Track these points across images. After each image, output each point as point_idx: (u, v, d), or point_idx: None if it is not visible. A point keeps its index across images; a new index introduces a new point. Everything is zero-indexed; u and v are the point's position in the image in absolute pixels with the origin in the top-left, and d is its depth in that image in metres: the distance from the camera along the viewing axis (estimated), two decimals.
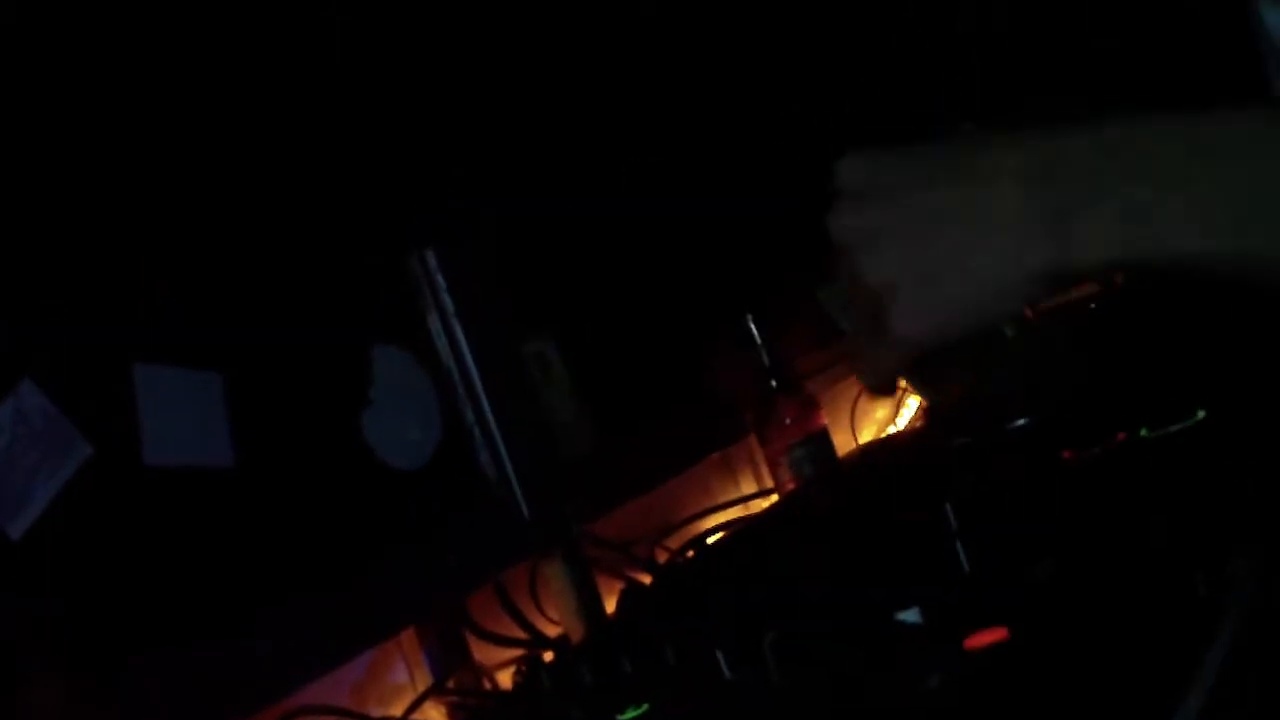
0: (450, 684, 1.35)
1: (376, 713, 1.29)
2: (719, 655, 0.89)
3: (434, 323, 1.33)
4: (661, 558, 1.54)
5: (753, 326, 1.65)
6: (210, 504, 1.09)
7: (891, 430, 1.98)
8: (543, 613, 1.45)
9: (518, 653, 1.39)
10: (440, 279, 1.32)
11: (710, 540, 1.54)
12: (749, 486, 1.81)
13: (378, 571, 1.19)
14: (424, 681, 1.39)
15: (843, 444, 1.82)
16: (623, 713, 0.89)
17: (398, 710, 1.30)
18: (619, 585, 1.48)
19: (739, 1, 1.75)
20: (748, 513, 1.68)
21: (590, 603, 1.39)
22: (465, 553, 1.29)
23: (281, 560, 1.13)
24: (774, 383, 1.65)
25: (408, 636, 1.40)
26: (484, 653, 1.41)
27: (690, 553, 1.51)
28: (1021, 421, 1.41)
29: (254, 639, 1.09)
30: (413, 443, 1.28)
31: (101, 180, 1.10)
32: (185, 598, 1.05)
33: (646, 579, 1.49)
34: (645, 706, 0.89)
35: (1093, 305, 1.51)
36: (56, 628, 0.99)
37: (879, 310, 0.70)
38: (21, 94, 1.05)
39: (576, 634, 1.39)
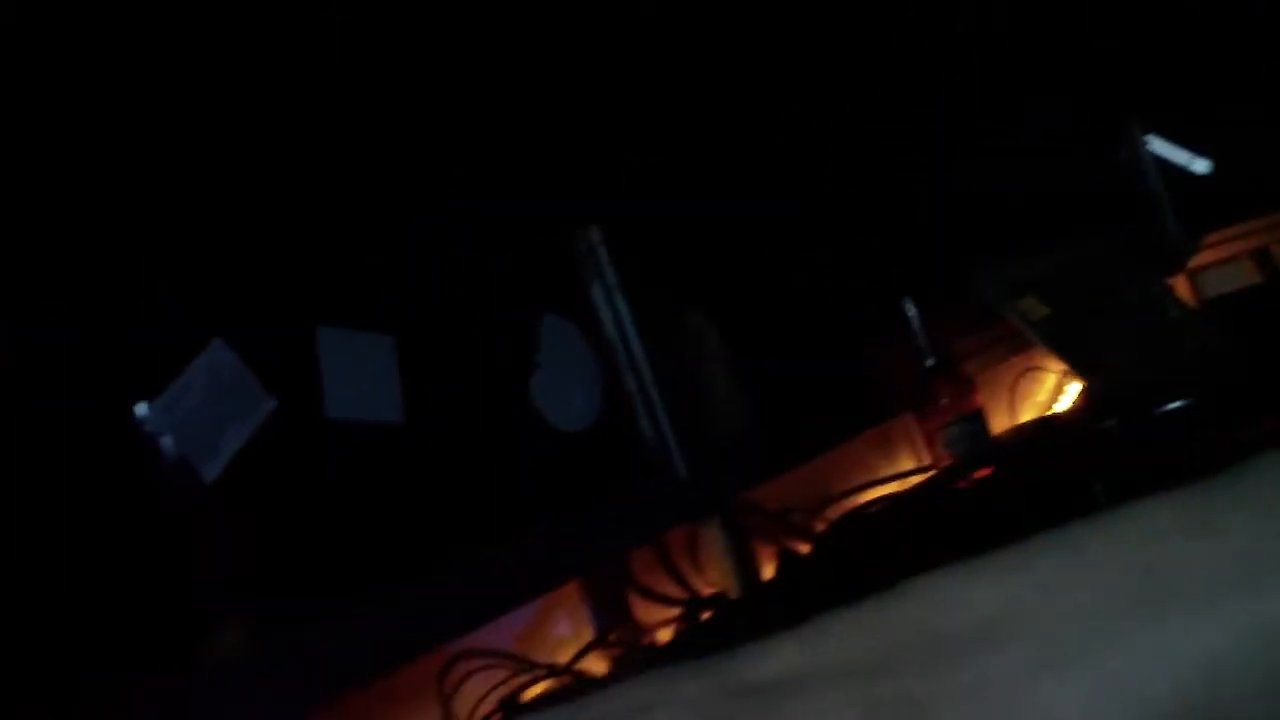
0: (611, 638, 1.42)
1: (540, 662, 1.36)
2: None
3: (598, 295, 1.40)
4: (818, 528, 1.59)
5: (910, 309, 1.70)
6: (382, 457, 1.17)
7: (1051, 412, 1.99)
8: (701, 574, 1.51)
9: (676, 611, 1.46)
10: (604, 254, 1.40)
11: (866, 512, 1.58)
12: (907, 463, 1.85)
13: (544, 528, 1.26)
14: (586, 635, 1.47)
15: (1001, 424, 1.85)
16: None
17: (560, 661, 1.38)
18: (776, 552, 1.54)
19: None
20: (904, 488, 1.72)
21: (747, 566, 1.45)
22: (627, 514, 1.36)
23: (450, 513, 1.21)
24: (930, 363, 1.69)
25: (571, 591, 1.47)
26: (644, 610, 1.48)
27: (847, 524, 1.56)
28: (1178, 404, 1.42)
29: (425, 586, 1.16)
30: (577, 408, 1.36)
31: (296, 160, 1.19)
32: (360, 543, 1.14)
33: (803, 548, 1.54)
34: None
35: (1254, 292, 1.52)
36: (242, 568, 1.08)
37: None
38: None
39: (733, 595, 1.45)
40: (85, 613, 0.99)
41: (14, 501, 0.95)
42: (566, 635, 1.47)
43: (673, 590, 1.48)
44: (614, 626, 1.45)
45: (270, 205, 1.15)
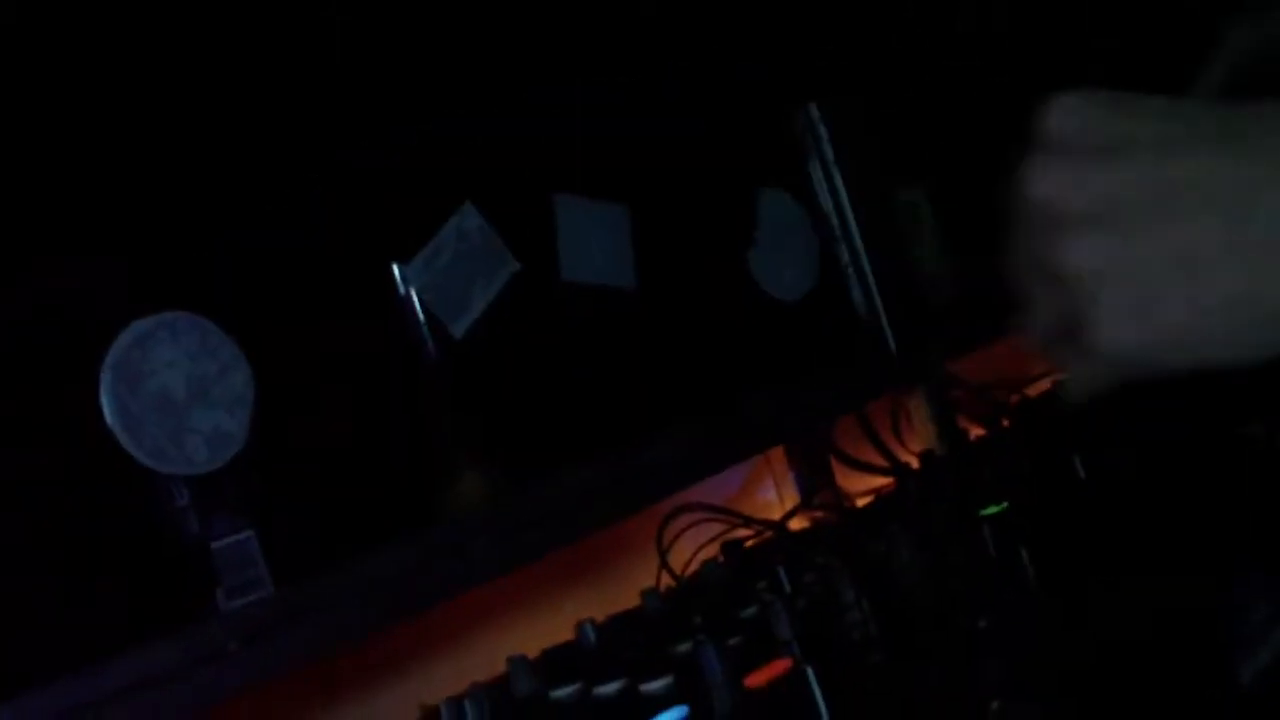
0: (815, 501, 1.47)
1: None
2: (1075, 460, 0.98)
3: (815, 170, 1.44)
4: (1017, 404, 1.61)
5: None
6: (615, 320, 1.23)
7: None
8: (903, 444, 1.55)
9: (878, 480, 1.51)
10: (822, 130, 1.44)
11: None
12: None
13: (755, 393, 1.31)
14: (791, 500, 1.52)
15: None
16: (984, 509, 0.99)
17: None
18: (978, 427, 1.57)
19: None
20: None
21: (951, 433, 1.49)
22: (835, 383, 1.40)
23: (672, 375, 1.27)
24: None
25: (777, 458, 1.53)
26: (845, 477, 1.53)
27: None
28: None
29: (647, 445, 1.22)
30: (792, 279, 1.40)
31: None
32: (589, 403, 1.20)
33: (1005, 422, 1.57)
34: (1004, 504, 0.99)
35: None
36: (483, 423, 1.15)
37: (1077, 307, 0.54)
38: None
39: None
40: (342, 460, 1.07)
41: (290, 344, 1.03)
42: (772, 499, 1.53)
43: (875, 458, 1.52)
44: (818, 491, 1.50)
45: (506, 80, 1.19)
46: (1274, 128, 0.51)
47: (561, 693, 0.87)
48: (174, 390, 0.95)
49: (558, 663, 0.94)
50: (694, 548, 1.31)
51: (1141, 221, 0.52)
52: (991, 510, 1.00)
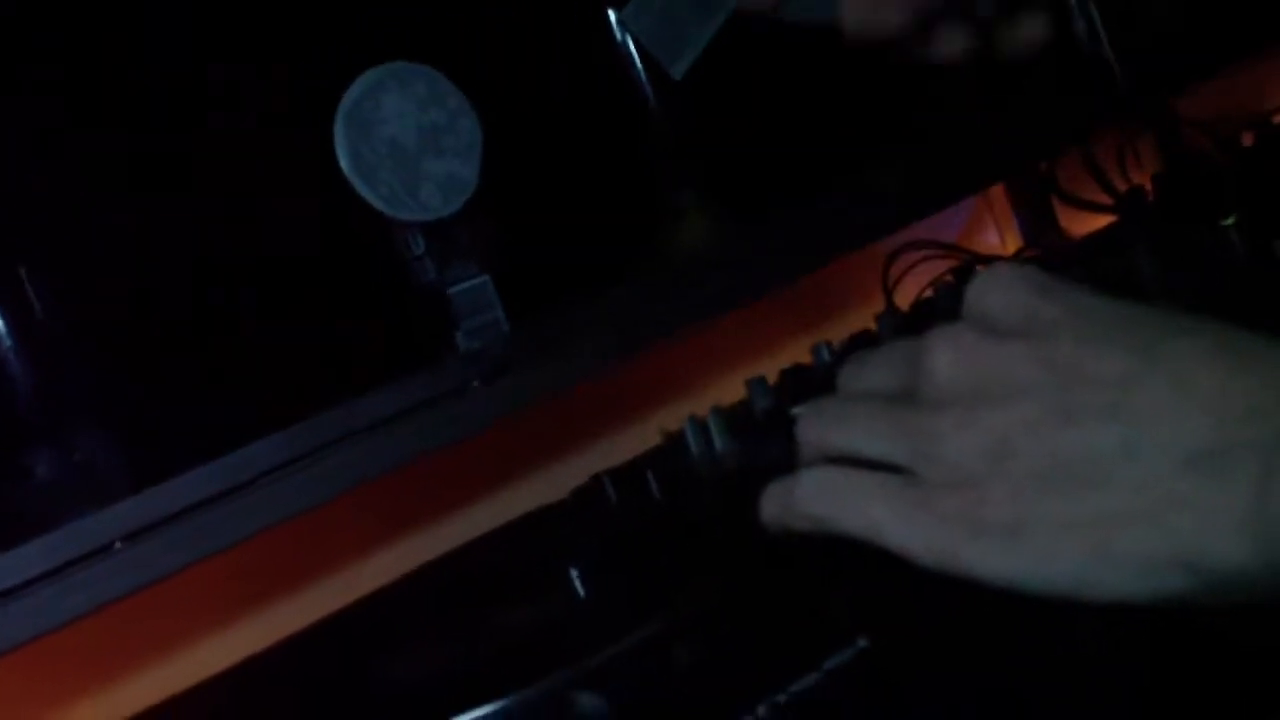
0: (1039, 244, 1.45)
1: None
2: None
3: None
4: (1248, 140, 1.55)
5: None
6: (833, 56, 1.21)
7: None
8: (1128, 182, 1.51)
9: (1102, 220, 1.47)
10: None
11: None
12: None
13: (976, 126, 1.29)
14: (1014, 244, 1.50)
15: None
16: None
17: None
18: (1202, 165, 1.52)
19: None
20: None
21: (1175, 172, 1.44)
22: (1058, 115, 1.37)
23: (892, 111, 1.25)
24: None
25: (999, 201, 1.51)
26: (1069, 218, 1.50)
27: None
28: None
29: (868, 183, 1.21)
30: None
31: None
32: (811, 144, 1.19)
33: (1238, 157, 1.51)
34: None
35: None
36: (706, 162, 1.16)
37: (931, 475, 0.50)
38: None
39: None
40: (569, 205, 1.09)
41: (514, 93, 1.04)
42: (995, 244, 1.51)
43: (1100, 197, 1.49)
44: (1041, 234, 1.48)
45: None
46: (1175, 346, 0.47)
47: (800, 409, 0.89)
48: (405, 139, 0.98)
49: (795, 383, 0.96)
50: (917, 289, 1.30)
51: (1050, 422, 0.48)
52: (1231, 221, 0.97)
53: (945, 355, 0.51)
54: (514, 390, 0.98)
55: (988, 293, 0.52)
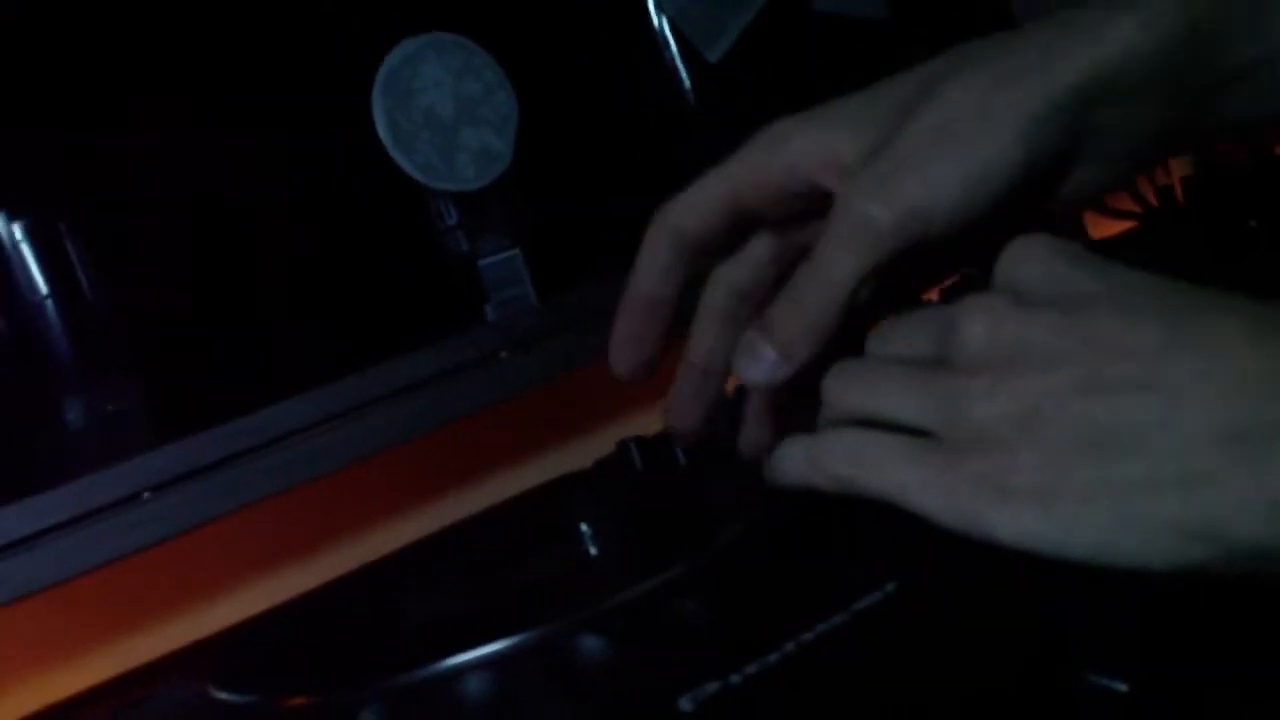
0: None
1: None
2: None
3: None
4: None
5: None
6: (867, 46, 1.22)
7: None
8: (1156, 185, 1.51)
9: (1127, 225, 1.47)
10: None
11: None
12: None
13: None
14: None
15: None
16: None
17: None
18: None
19: None
20: None
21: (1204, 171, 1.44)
22: None
23: None
24: None
25: None
26: (1096, 226, 1.50)
27: None
28: None
29: None
30: None
31: None
32: None
33: None
34: None
35: None
36: (739, 141, 1.16)
37: (959, 439, 0.50)
38: None
39: None
40: (599, 181, 1.10)
41: (548, 68, 1.06)
42: None
43: (1125, 204, 1.49)
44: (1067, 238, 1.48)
45: None
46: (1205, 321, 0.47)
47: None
48: (442, 109, 0.99)
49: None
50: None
51: (1083, 394, 0.48)
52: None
53: (978, 322, 0.51)
54: (541, 362, 0.99)
55: (1021, 263, 0.52)
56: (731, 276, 0.64)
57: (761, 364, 0.57)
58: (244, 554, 0.98)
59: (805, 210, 0.60)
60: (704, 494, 0.78)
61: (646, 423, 1.05)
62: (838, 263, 0.54)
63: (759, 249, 0.63)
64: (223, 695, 0.65)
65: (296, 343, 0.97)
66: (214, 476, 0.87)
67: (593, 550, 0.74)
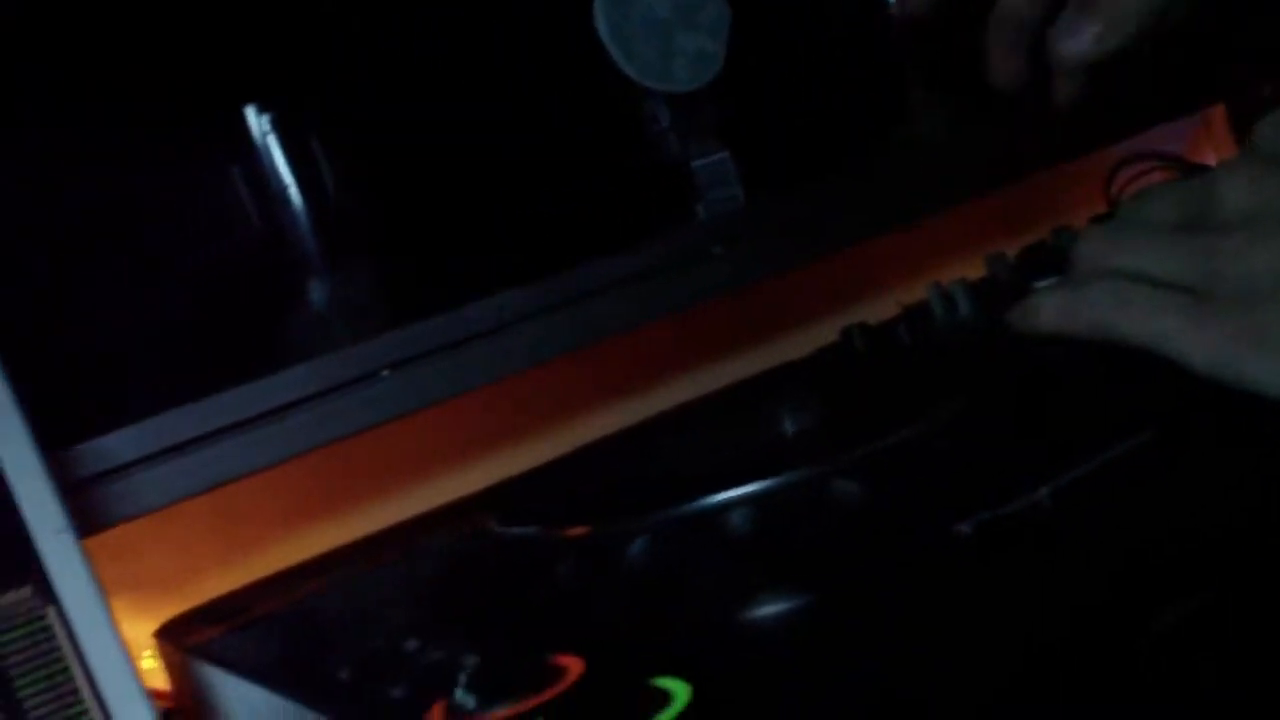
0: None
1: None
2: None
3: None
4: None
5: None
6: None
7: None
8: None
9: None
10: None
11: None
12: None
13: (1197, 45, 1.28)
14: None
15: None
16: None
17: None
18: None
19: None
20: None
21: None
22: None
23: None
24: None
25: (1219, 124, 1.50)
26: None
27: None
28: None
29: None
30: None
31: None
32: None
33: None
34: None
35: None
36: (937, 56, 1.17)
37: (1219, 291, 0.52)
38: None
39: None
40: (806, 89, 1.12)
41: None
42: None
43: None
44: None
45: None
46: None
47: (1044, 283, 0.90)
48: (661, 10, 1.01)
49: (1033, 260, 0.98)
50: None
51: None
52: None
53: (1238, 181, 0.53)
54: (752, 259, 1.02)
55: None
56: None
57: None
58: (492, 424, 1.03)
59: None
60: (929, 375, 0.80)
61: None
62: None
63: None
64: (507, 530, 0.69)
65: (519, 238, 1.01)
66: (448, 357, 0.91)
67: (836, 416, 0.77)
